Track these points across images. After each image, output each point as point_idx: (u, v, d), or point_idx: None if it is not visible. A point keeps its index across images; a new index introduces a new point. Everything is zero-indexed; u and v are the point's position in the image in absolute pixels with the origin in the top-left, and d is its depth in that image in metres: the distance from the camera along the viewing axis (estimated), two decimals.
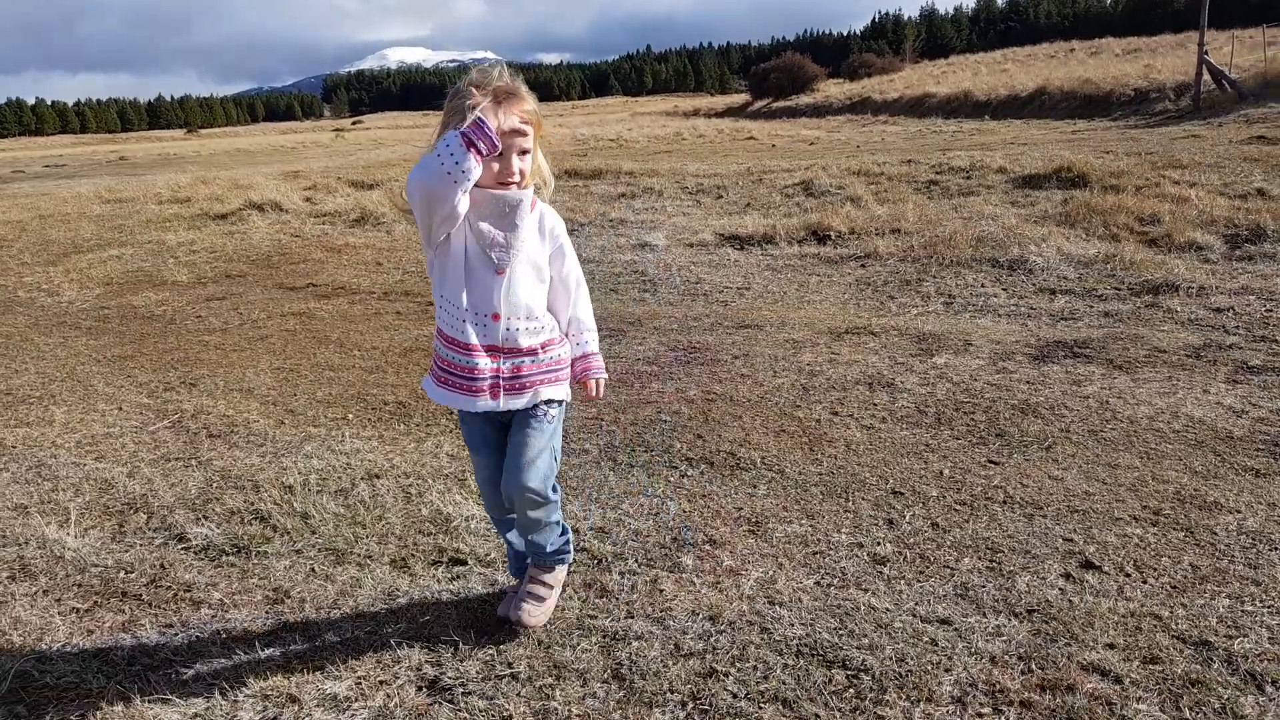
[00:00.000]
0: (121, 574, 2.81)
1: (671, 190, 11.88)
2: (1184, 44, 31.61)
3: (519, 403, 2.23)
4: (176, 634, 2.47)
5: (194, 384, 4.84)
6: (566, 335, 2.35)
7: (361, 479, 3.46)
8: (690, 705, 2.09)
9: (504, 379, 2.21)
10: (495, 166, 2.08)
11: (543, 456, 2.28)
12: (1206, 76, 20.14)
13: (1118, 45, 38.74)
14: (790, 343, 5.00)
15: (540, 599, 2.42)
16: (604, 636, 2.37)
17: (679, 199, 11.33)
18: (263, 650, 2.37)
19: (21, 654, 2.39)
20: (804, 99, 44.06)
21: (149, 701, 2.16)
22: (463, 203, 2.03)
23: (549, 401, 2.28)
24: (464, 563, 2.79)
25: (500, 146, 2.01)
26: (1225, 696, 2.03)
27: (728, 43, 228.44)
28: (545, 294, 2.28)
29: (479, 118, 1.96)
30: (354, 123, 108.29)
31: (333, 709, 2.13)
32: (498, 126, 1.99)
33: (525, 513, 2.32)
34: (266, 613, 2.56)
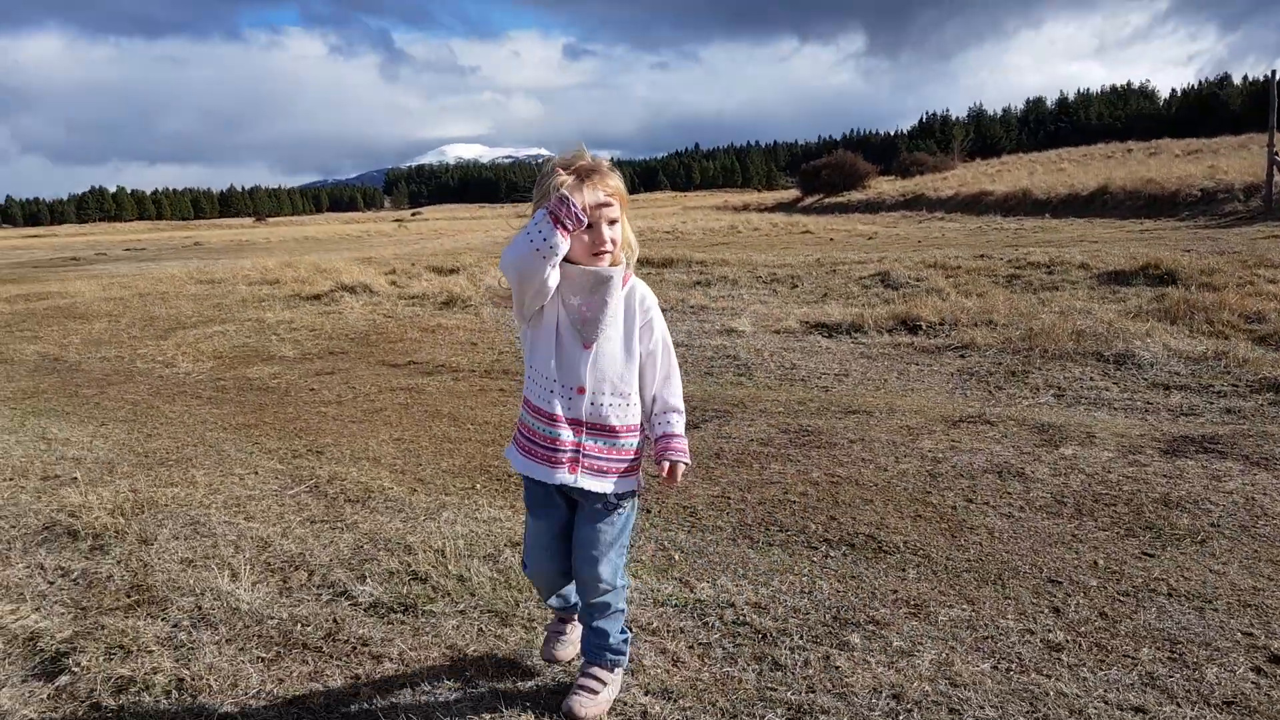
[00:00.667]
0: (299, 627, 2.88)
1: (746, 279, 12.09)
2: (1246, 145, 31.66)
3: (594, 485, 2.25)
4: (365, 686, 2.53)
5: (320, 452, 4.99)
6: (649, 417, 2.34)
7: (505, 546, 3.52)
8: None
9: (584, 455, 2.24)
10: (586, 239, 2.14)
11: (614, 548, 2.33)
12: (1278, 177, 20.08)
13: (1176, 146, 38.93)
14: (905, 429, 5.02)
15: (594, 692, 2.38)
16: (788, 709, 2.38)
17: (754, 287, 11.51)
18: (454, 704, 2.42)
19: (221, 698, 2.47)
20: (856, 195, 44.63)
21: None
22: (552, 277, 2.09)
23: (620, 496, 2.30)
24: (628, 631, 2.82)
25: (586, 220, 2.07)
26: None
27: (774, 141, 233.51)
28: (635, 370, 2.28)
29: (564, 194, 2.05)
30: (413, 214, 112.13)
31: None
32: (583, 203, 2.07)
33: (592, 599, 2.39)
34: (447, 669, 2.61)
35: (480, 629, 2.86)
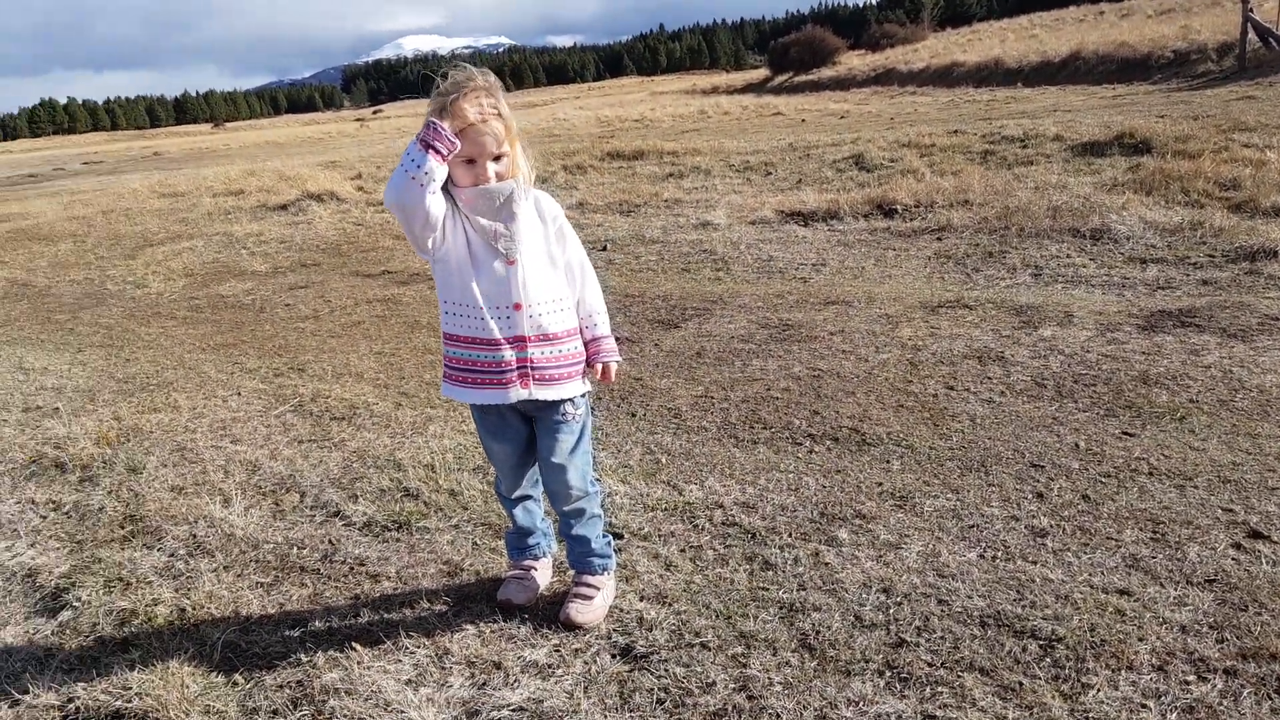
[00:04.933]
0: (295, 550, 2.91)
1: (719, 168, 11.87)
2: (1220, 2, 30.94)
3: (548, 394, 2.26)
4: (365, 605, 2.56)
5: (302, 369, 4.95)
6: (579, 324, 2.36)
7: None
8: (888, 674, 2.15)
9: (533, 368, 2.24)
10: (470, 172, 2.11)
11: (578, 453, 2.37)
12: (1252, 35, 19.73)
13: (1149, 5, 37.90)
14: (885, 317, 5.03)
15: (588, 599, 2.44)
16: (781, 608, 2.44)
17: (728, 177, 11.32)
18: (454, 620, 2.46)
19: (223, 625, 2.50)
20: (826, 72, 43.50)
21: (361, 668, 2.26)
22: (434, 204, 2.06)
23: (570, 400, 2.32)
24: (620, 536, 2.86)
25: (457, 145, 2.02)
26: None
27: (742, 19, 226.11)
28: (562, 276, 2.29)
29: (432, 120, 2.02)
30: (375, 112, 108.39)
31: (537, 675, 2.22)
32: (454, 126, 2.02)
33: (567, 506, 2.43)
34: (444, 585, 2.66)
35: (475, 543, 2.90)
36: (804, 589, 2.52)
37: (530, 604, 2.52)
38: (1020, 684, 2.07)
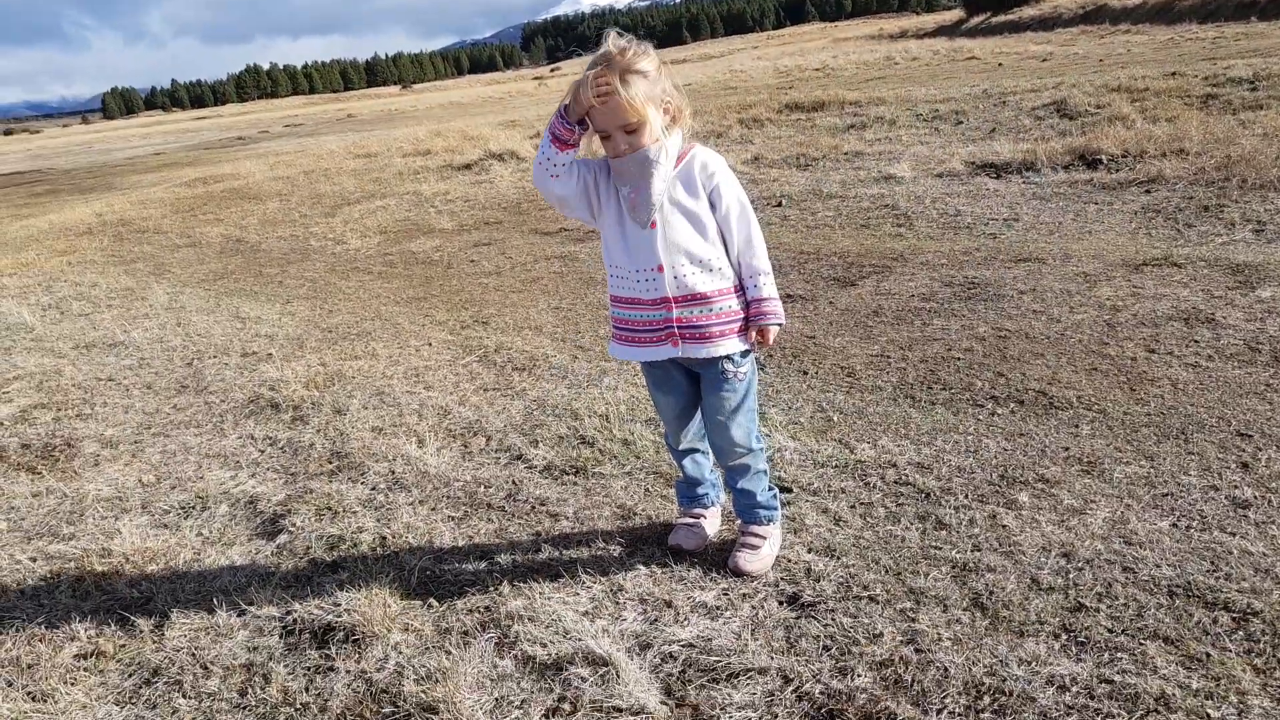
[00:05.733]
0: (481, 489, 3.12)
1: (904, 118, 11.38)
2: None
3: (700, 352, 2.28)
4: (545, 542, 2.73)
5: (486, 322, 5.23)
6: (739, 283, 2.32)
7: None
8: (1064, 637, 2.08)
9: (681, 328, 2.27)
10: (611, 146, 2.17)
11: (741, 412, 2.39)
12: None
13: None
14: (1082, 276, 4.72)
15: (755, 548, 2.48)
16: (953, 567, 2.39)
17: (914, 127, 10.84)
18: (627, 560, 2.58)
19: (420, 554, 2.73)
20: (1028, 11, 40.64)
21: (543, 598, 2.41)
22: (560, 187, 2.18)
23: (729, 359, 2.32)
24: (789, 490, 2.89)
25: (576, 132, 2.11)
26: None
27: None
28: (712, 237, 2.27)
29: (561, 106, 2.11)
30: (552, 70, 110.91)
31: (706, 615, 2.29)
32: (579, 111, 2.08)
33: (731, 462, 2.48)
34: (619, 527, 2.78)
35: (646, 489, 3.00)
36: (979, 550, 2.46)
37: (699, 550, 2.60)
38: (1208, 654, 1.96)
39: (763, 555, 2.49)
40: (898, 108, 12.06)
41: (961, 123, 10.50)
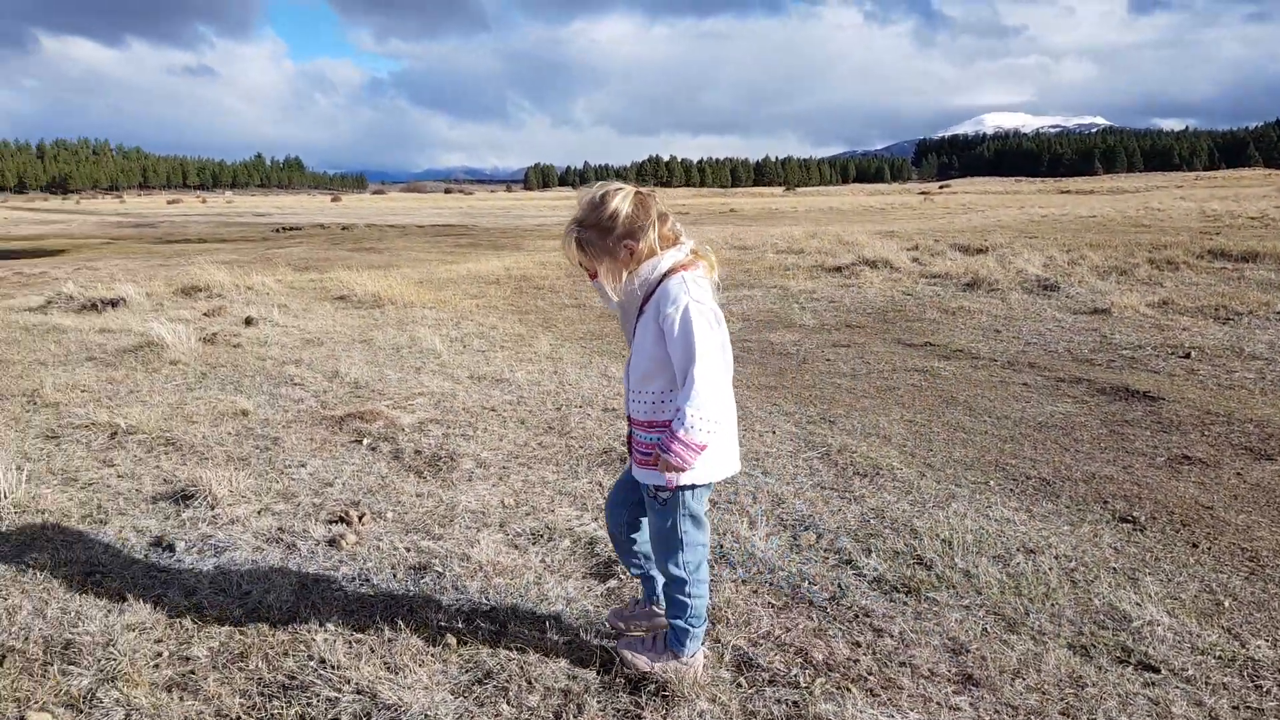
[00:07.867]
0: (805, 584, 3.07)
1: None
2: None
3: (639, 474, 2.41)
4: (865, 653, 2.60)
5: (832, 421, 5.19)
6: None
7: (1018, 550, 3.33)
8: None
9: (632, 446, 2.42)
10: None
11: (664, 538, 2.43)
12: None
13: None
14: None
15: (642, 641, 2.57)
16: None
17: None
18: (952, 699, 2.37)
19: (735, 630, 2.74)
20: None
21: (855, 709, 2.29)
22: (609, 305, 2.47)
23: (659, 487, 2.35)
24: (1155, 670, 2.49)
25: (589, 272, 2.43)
26: None
27: None
28: (656, 368, 2.32)
29: None
30: (941, 187, 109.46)
31: None
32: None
33: (654, 573, 2.62)
34: (946, 660, 2.57)
35: (985, 629, 2.76)
36: None
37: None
38: None
39: (641, 657, 2.48)
40: None
41: None
